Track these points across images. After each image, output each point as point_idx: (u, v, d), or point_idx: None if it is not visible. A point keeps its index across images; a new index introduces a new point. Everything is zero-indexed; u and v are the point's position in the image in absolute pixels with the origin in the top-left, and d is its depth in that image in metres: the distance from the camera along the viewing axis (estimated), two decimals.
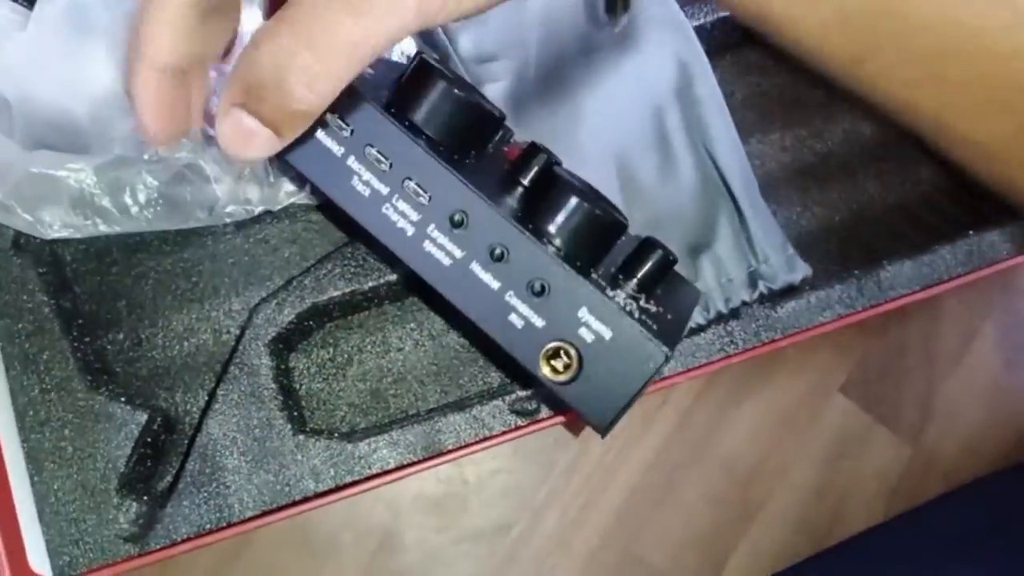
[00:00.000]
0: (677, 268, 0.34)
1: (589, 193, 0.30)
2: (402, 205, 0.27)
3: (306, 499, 0.41)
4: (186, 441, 0.43)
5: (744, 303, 0.43)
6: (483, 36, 0.43)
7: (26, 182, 0.40)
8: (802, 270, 0.43)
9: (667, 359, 0.28)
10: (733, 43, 0.49)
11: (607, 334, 0.28)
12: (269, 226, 0.46)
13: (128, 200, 0.41)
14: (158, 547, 0.39)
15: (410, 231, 0.28)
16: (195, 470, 0.41)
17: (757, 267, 0.43)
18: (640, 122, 0.44)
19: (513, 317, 0.28)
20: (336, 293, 0.43)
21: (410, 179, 0.27)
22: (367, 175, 0.27)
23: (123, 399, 0.41)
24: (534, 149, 0.32)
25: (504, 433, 0.42)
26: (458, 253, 0.28)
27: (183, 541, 0.40)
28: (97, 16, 0.41)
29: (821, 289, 0.44)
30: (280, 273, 0.45)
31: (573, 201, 0.29)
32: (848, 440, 0.50)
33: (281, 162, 0.29)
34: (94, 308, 0.45)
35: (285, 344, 0.44)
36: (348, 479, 0.41)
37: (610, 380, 0.28)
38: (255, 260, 0.46)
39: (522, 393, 0.43)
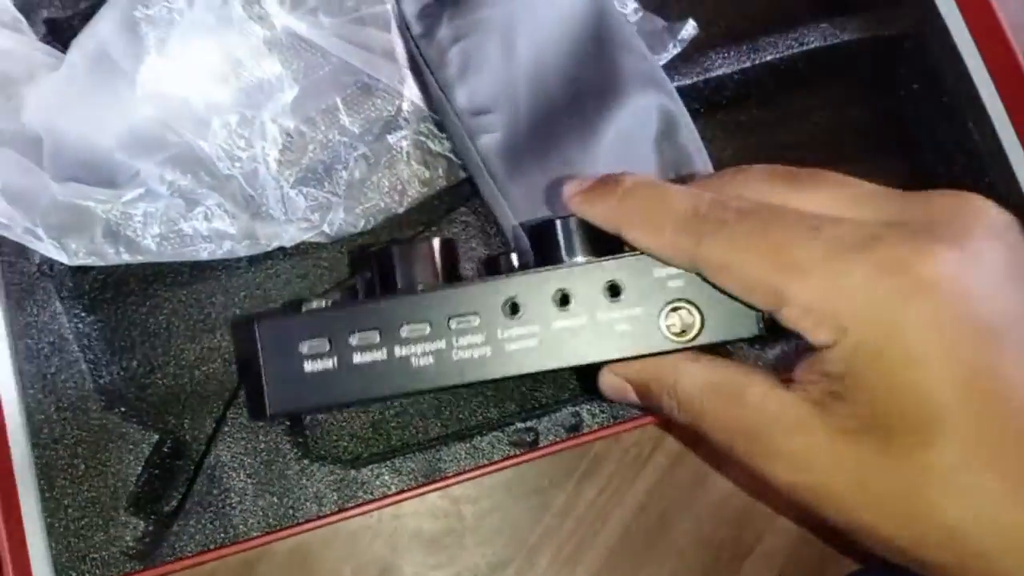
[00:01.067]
0: None
1: (550, 219, 0.31)
2: (464, 340, 0.28)
3: (309, 520, 0.42)
4: (193, 465, 0.45)
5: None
6: (477, 90, 0.46)
7: (54, 210, 0.42)
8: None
9: None
10: (724, 102, 0.52)
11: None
12: (280, 262, 0.48)
13: (150, 232, 0.44)
14: (162, 562, 0.40)
15: (489, 351, 0.28)
16: (202, 490, 0.42)
17: None
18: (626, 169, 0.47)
19: (619, 328, 0.29)
20: None
21: (451, 318, 0.28)
22: (419, 348, 0.28)
23: (135, 421, 0.43)
24: (491, 261, 0.33)
25: (504, 460, 0.43)
26: (535, 328, 0.29)
27: (187, 557, 0.40)
28: (125, 60, 0.43)
29: None
30: None
31: (556, 224, 0.30)
32: None
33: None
34: (110, 334, 0.46)
35: None
36: (351, 503, 0.42)
37: (725, 296, 0.28)
38: (266, 294, 0.48)
39: (521, 425, 0.44)
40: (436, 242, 0.31)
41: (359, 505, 0.42)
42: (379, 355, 0.28)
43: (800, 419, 0.26)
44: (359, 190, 0.46)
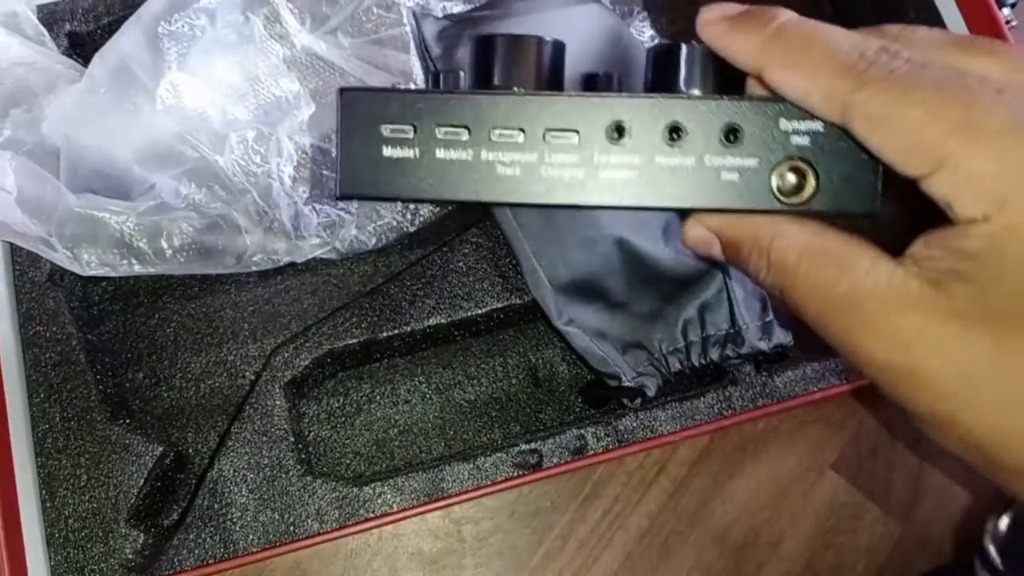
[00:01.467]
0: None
1: (676, 42, 0.28)
2: (558, 157, 0.26)
3: (309, 537, 0.42)
4: (194, 479, 0.45)
5: (713, 362, 0.46)
6: None
7: (69, 220, 0.43)
8: (777, 337, 0.46)
9: None
10: None
11: (817, 125, 0.26)
12: (291, 278, 0.48)
13: (163, 244, 0.44)
14: (161, 574, 0.40)
15: (582, 174, 0.26)
16: (204, 504, 0.42)
17: (733, 329, 0.45)
18: None
19: (725, 176, 0.26)
20: (352, 341, 0.45)
21: (548, 131, 0.25)
22: (508, 156, 0.26)
23: (139, 433, 0.43)
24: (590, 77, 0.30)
25: (506, 481, 0.43)
26: (636, 160, 0.26)
27: (186, 571, 0.40)
28: (146, 74, 0.44)
29: (817, 361, 0.47)
30: (298, 322, 0.48)
31: (682, 50, 0.27)
32: (839, 516, 0.51)
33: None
34: (118, 345, 0.46)
35: (298, 389, 0.46)
36: (351, 521, 0.42)
37: (850, 161, 0.26)
38: (275, 309, 0.48)
39: (525, 446, 0.44)
40: (547, 42, 0.27)
41: (360, 523, 0.42)
42: (464, 155, 0.26)
43: (911, 295, 0.24)
44: (371, 208, 0.47)
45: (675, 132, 0.25)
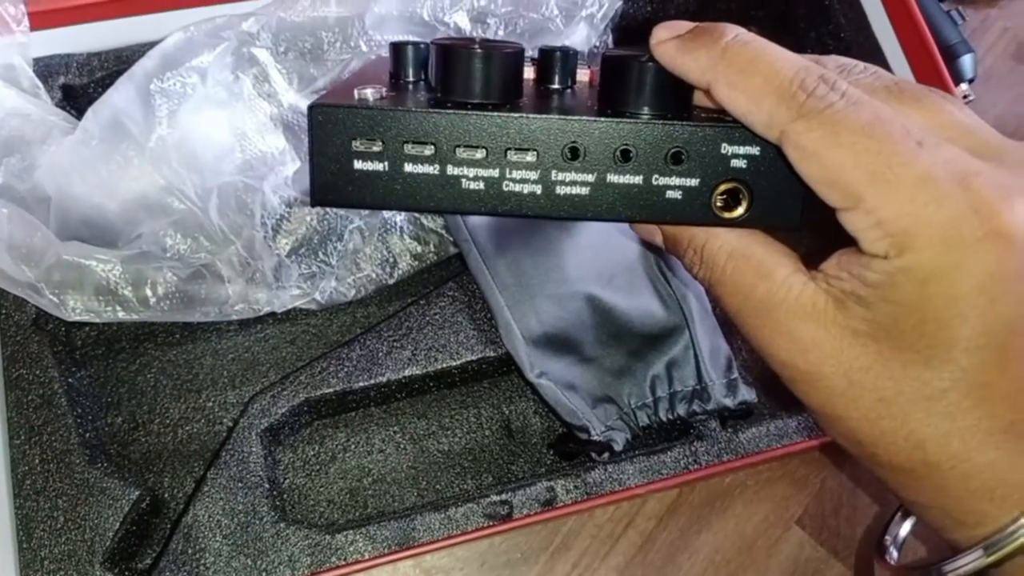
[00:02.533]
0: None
1: (636, 54, 0.29)
2: (518, 173, 0.27)
3: None
4: (169, 524, 0.45)
5: (680, 417, 0.47)
6: None
7: (57, 267, 0.44)
8: (742, 394, 0.47)
9: None
10: None
11: (754, 150, 0.28)
12: (270, 327, 0.50)
13: (148, 292, 0.45)
14: None
15: (539, 189, 0.27)
16: (178, 549, 0.42)
17: (699, 386, 0.47)
18: (608, 254, 0.49)
19: (669, 194, 0.28)
20: (329, 390, 0.46)
21: (509, 149, 0.27)
22: (471, 171, 0.27)
23: (116, 477, 0.43)
24: (546, 56, 0.31)
25: (477, 531, 0.44)
26: (590, 177, 0.27)
27: None
28: (137, 129, 0.45)
29: (781, 419, 0.48)
30: (277, 370, 0.49)
31: (632, 68, 0.28)
32: (804, 571, 0.52)
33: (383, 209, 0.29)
34: (99, 390, 0.47)
35: (274, 437, 0.47)
36: (323, 568, 0.43)
37: (780, 183, 0.28)
38: (254, 357, 0.49)
39: (496, 497, 0.45)
40: (509, 55, 0.28)
41: (331, 569, 0.42)
42: (430, 169, 0.27)
43: (816, 308, 0.27)
44: (352, 261, 0.48)
45: (625, 154, 0.27)
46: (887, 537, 0.39)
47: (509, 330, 0.47)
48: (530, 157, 0.27)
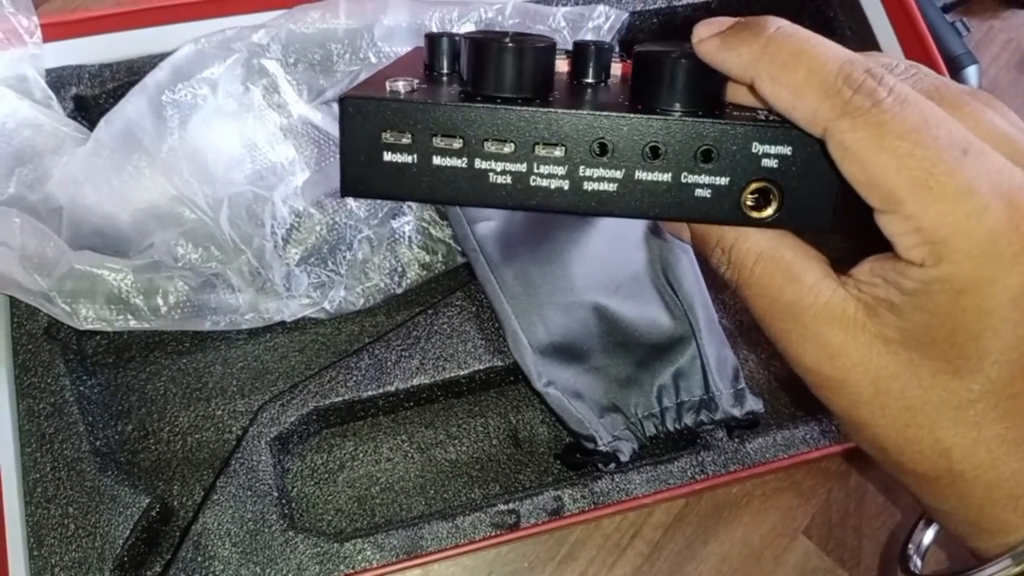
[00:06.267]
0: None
1: (670, 49, 0.29)
2: (545, 168, 0.27)
3: None
4: (179, 532, 0.45)
5: (687, 427, 0.48)
6: None
7: (69, 277, 0.44)
8: (750, 404, 0.47)
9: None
10: None
11: (786, 150, 0.27)
12: (279, 336, 0.50)
13: (159, 301, 0.45)
14: None
15: (567, 185, 0.28)
16: (187, 557, 0.43)
17: (706, 396, 0.47)
18: (615, 264, 0.49)
19: (698, 192, 0.28)
20: (337, 399, 0.46)
21: (537, 144, 0.27)
22: (499, 165, 0.27)
23: (127, 484, 0.44)
24: (579, 49, 0.31)
25: (484, 540, 0.44)
26: (618, 174, 0.27)
27: None
28: (149, 140, 0.46)
29: (787, 429, 0.48)
30: (286, 379, 0.49)
31: (664, 65, 0.28)
32: None
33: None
34: (109, 398, 0.48)
35: (283, 445, 0.47)
36: None
37: (812, 184, 0.27)
38: (264, 366, 0.49)
39: (503, 506, 0.45)
40: (542, 49, 0.28)
41: None
42: (458, 162, 0.27)
43: (846, 315, 0.27)
44: (360, 270, 0.48)
45: (654, 151, 0.27)
46: (910, 546, 0.39)
47: (516, 339, 0.47)
48: (558, 152, 0.27)
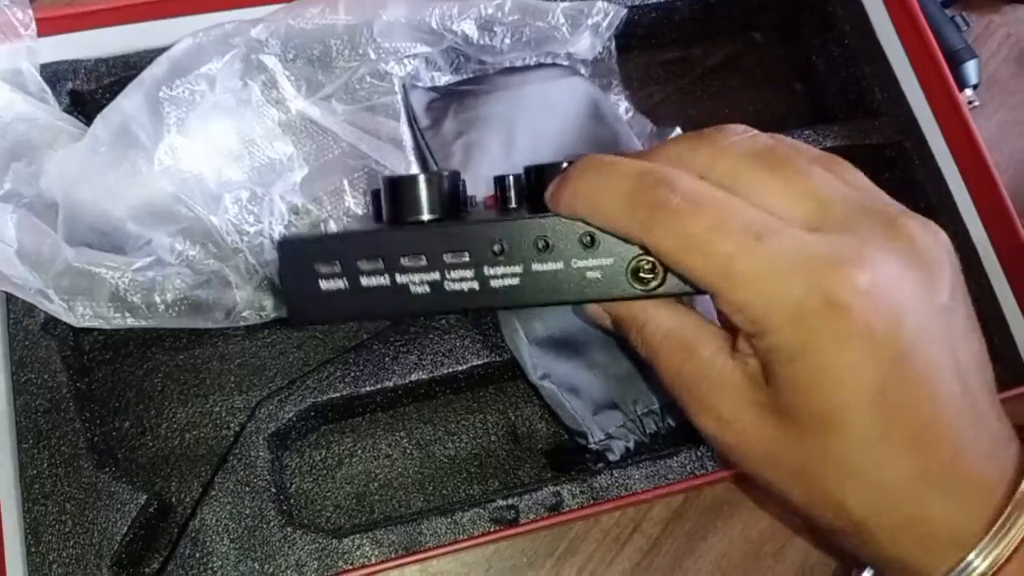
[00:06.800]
0: None
1: (556, 164, 0.33)
2: (455, 274, 0.31)
3: None
4: (177, 528, 0.45)
5: (671, 425, 0.48)
6: (478, 180, 0.49)
7: (66, 274, 0.44)
8: None
9: None
10: None
11: None
12: (277, 331, 0.50)
13: (156, 299, 0.45)
14: None
15: (476, 285, 0.31)
16: (185, 553, 0.43)
17: None
18: None
19: (589, 275, 0.31)
20: (336, 395, 0.46)
21: (446, 253, 0.31)
22: (416, 277, 0.31)
23: (124, 481, 0.44)
24: (501, 182, 0.36)
25: (483, 536, 0.44)
26: (517, 269, 0.31)
27: None
28: (146, 136, 0.45)
29: None
30: (284, 375, 0.49)
31: (545, 172, 0.32)
32: None
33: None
34: (106, 394, 0.48)
35: (281, 442, 0.47)
36: (330, 573, 0.43)
37: None
38: (261, 362, 0.49)
39: (502, 502, 0.45)
40: (442, 177, 0.33)
41: (338, 574, 0.42)
42: (383, 280, 0.31)
43: (733, 385, 0.30)
44: None
45: (545, 245, 0.31)
46: None
47: (513, 331, 0.47)
48: (465, 257, 0.31)
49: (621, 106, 0.53)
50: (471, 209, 0.36)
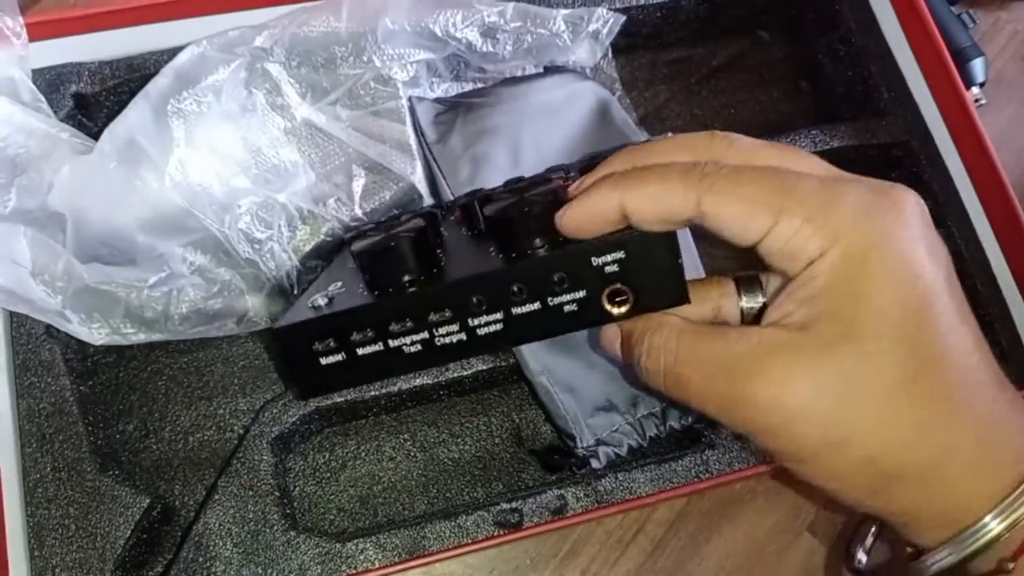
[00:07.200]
0: None
1: (518, 201, 0.34)
2: (443, 330, 0.33)
3: None
4: (180, 532, 0.45)
5: (696, 421, 0.48)
6: None
7: (83, 293, 0.44)
8: None
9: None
10: None
11: (620, 254, 0.32)
12: None
13: (172, 312, 0.45)
14: None
15: (464, 336, 0.33)
16: (188, 557, 0.43)
17: None
18: None
19: (567, 308, 0.32)
20: (339, 399, 0.46)
21: (432, 313, 0.32)
22: (407, 339, 0.33)
23: (127, 484, 0.44)
24: (466, 204, 0.37)
25: (487, 539, 0.44)
26: (499, 315, 0.33)
27: None
28: (154, 149, 0.45)
29: None
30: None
31: (518, 222, 0.33)
32: None
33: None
34: (109, 397, 0.48)
35: (285, 445, 0.47)
36: None
37: (654, 272, 0.32)
38: (265, 364, 0.49)
39: (506, 505, 0.45)
40: (403, 241, 0.34)
41: None
42: (377, 347, 0.32)
43: (779, 341, 0.29)
44: None
45: (518, 290, 0.32)
46: (855, 544, 0.41)
47: None
48: (448, 314, 0.32)
49: (635, 113, 0.53)
50: (444, 237, 0.37)
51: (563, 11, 0.49)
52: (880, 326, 0.27)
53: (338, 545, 0.43)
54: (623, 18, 0.51)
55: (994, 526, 0.28)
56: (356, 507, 0.48)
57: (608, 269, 0.32)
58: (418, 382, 0.47)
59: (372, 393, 0.46)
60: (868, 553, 0.40)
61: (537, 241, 0.33)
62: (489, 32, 0.47)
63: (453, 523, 0.44)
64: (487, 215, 0.34)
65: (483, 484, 0.49)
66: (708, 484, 0.46)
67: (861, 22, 0.56)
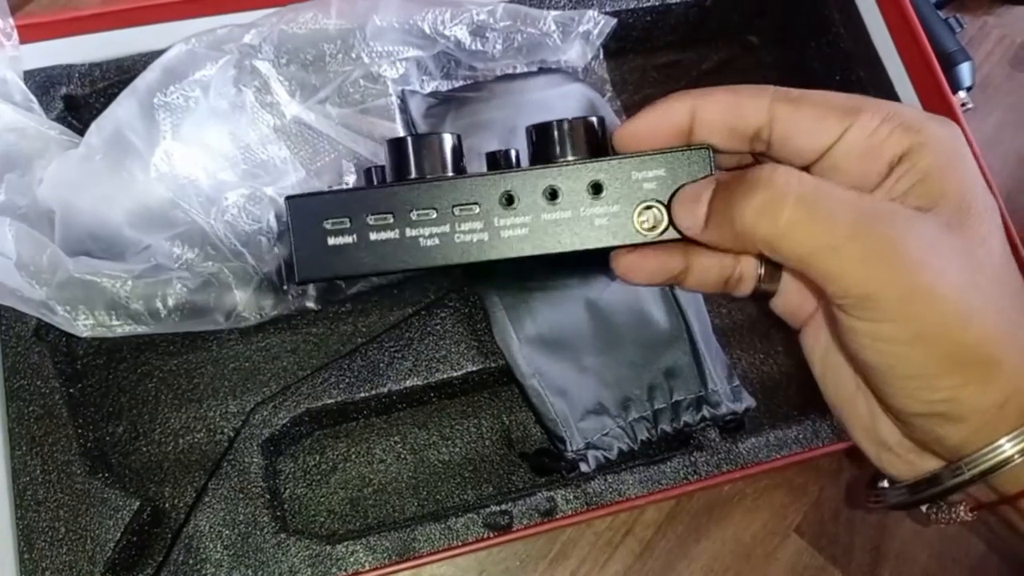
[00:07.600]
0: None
1: (559, 120, 0.33)
2: (465, 226, 0.32)
3: None
4: (170, 534, 0.45)
5: (687, 424, 0.48)
6: None
7: (68, 285, 0.44)
8: (746, 401, 0.48)
9: (711, 148, 0.32)
10: None
11: (661, 171, 0.32)
12: (271, 336, 0.50)
13: (159, 305, 0.45)
14: None
15: (486, 236, 0.32)
16: (179, 559, 0.43)
17: (705, 393, 0.47)
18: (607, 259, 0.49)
19: (597, 222, 0.32)
20: (330, 401, 0.46)
21: (455, 206, 0.31)
22: (426, 230, 0.31)
23: (117, 487, 0.44)
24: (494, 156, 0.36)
25: (477, 541, 0.44)
26: (527, 219, 0.32)
27: None
28: (140, 143, 0.45)
29: (780, 429, 0.48)
30: (277, 380, 0.49)
31: (555, 125, 0.33)
32: None
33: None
34: (99, 400, 0.47)
35: (275, 447, 0.47)
36: None
37: None
38: (255, 366, 0.49)
39: (496, 508, 0.45)
40: (446, 137, 0.33)
41: None
42: (392, 234, 0.31)
43: (912, 215, 0.28)
44: None
45: (553, 193, 0.32)
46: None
47: (504, 329, 0.47)
48: (474, 210, 0.31)
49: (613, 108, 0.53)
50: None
51: (553, 12, 0.50)
52: (984, 213, 0.28)
53: (328, 547, 0.43)
54: (613, 21, 0.51)
55: (1007, 448, 0.27)
56: (346, 509, 0.48)
57: (647, 186, 0.32)
58: (408, 384, 0.47)
59: (362, 395, 0.47)
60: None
61: (569, 154, 0.32)
62: (478, 31, 0.47)
63: (443, 525, 0.44)
64: (528, 127, 0.33)
65: (473, 486, 0.49)
66: (697, 486, 0.47)
67: (849, 27, 0.57)
